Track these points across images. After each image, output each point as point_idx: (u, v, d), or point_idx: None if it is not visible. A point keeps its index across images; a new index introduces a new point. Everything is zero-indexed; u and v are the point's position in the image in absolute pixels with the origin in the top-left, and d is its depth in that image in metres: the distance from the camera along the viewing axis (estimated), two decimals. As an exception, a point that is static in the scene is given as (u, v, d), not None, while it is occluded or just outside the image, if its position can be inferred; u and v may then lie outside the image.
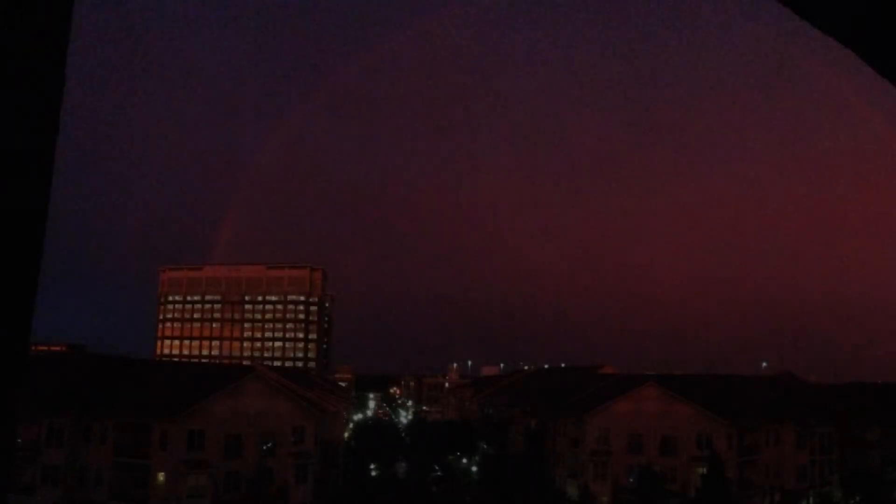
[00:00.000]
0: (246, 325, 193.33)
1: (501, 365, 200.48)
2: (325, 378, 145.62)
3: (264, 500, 62.62)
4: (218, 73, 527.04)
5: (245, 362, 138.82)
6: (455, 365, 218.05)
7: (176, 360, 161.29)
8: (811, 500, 77.28)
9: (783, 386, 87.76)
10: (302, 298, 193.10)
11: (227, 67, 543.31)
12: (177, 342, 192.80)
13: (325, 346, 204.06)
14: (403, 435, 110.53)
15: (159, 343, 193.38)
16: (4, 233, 1.87)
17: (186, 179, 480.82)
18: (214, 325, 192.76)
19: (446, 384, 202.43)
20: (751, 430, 74.58)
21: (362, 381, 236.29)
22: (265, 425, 65.31)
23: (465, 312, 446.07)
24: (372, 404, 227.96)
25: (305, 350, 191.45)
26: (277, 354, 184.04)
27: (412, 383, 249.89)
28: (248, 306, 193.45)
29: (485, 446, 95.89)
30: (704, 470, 67.57)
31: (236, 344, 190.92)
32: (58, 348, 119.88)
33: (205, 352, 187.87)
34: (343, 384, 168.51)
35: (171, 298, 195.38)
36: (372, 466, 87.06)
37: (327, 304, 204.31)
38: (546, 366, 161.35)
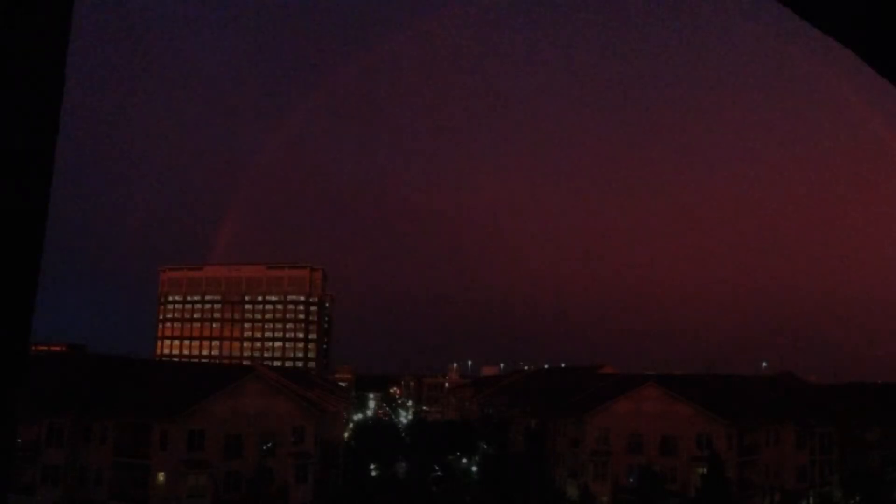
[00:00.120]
0: (246, 325, 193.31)
1: (501, 365, 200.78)
2: (325, 378, 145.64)
3: (264, 500, 62.62)
4: (218, 73, 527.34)
5: (245, 362, 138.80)
6: (455, 365, 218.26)
7: (176, 360, 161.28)
8: (811, 500, 77.27)
9: (783, 386, 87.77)
10: (302, 298, 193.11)
11: (227, 67, 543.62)
12: (177, 342, 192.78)
13: (325, 346, 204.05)
14: (403, 435, 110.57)
15: (159, 343, 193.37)
16: (4, 233, 1.87)
17: (186, 179, 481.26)
18: (214, 325, 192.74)
19: (446, 384, 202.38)
20: (751, 430, 74.58)
21: (362, 381, 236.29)
22: (265, 425, 65.31)
23: (465, 312, 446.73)
24: (372, 404, 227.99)
25: (305, 350, 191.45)
26: (277, 354, 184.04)
27: (412, 383, 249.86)
28: (248, 306, 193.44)
29: (485, 446, 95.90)
30: (704, 470, 67.57)
31: (236, 344, 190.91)
32: (58, 348, 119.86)
33: (205, 352, 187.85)
34: (343, 384, 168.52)
35: (171, 298, 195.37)
36: (372, 466, 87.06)
37: (327, 304, 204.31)
38: (546, 366, 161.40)
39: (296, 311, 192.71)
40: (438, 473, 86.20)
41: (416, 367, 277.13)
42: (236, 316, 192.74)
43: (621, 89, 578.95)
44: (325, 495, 68.81)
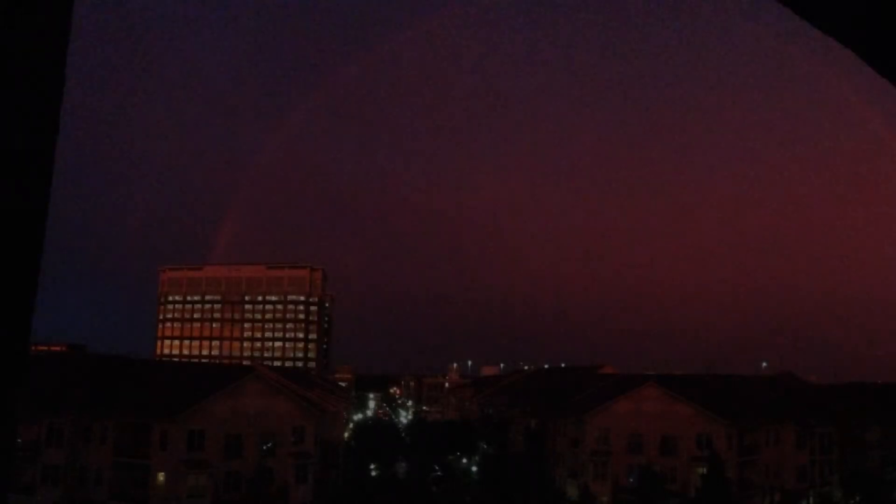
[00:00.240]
0: (246, 325, 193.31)
1: (501, 365, 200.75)
2: (325, 378, 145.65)
3: (264, 500, 62.62)
4: (218, 73, 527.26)
5: (245, 362, 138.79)
6: (455, 365, 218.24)
7: (176, 360, 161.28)
8: (811, 500, 77.27)
9: (783, 386, 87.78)
10: (302, 298, 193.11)
11: (227, 67, 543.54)
12: (177, 342, 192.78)
13: (325, 346, 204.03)
14: (403, 435, 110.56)
15: (159, 343, 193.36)
16: (4, 233, 1.87)
17: (186, 179, 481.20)
18: (214, 325, 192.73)
19: (446, 384, 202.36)
20: (751, 430, 74.59)
21: (362, 381, 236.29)
22: (265, 425, 65.32)
23: (465, 312, 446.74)
24: (372, 404, 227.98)
25: (305, 350, 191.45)
26: (277, 354, 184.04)
27: (412, 383, 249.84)
28: (248, 306, 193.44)
29: (485, 446, 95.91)
30: (704, 470, 67.57)
31: (236, 344, 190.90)
32: (58, 348, 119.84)
33: (205, 352, 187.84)
34: (343, 384, 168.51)
35: (171, 298, 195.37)
36: (372, 466, 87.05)
37: (327, 304, 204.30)
38: (546, 366, 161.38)
39: (296, 311, 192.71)
40: (438, 473, 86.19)
41: (416, 367, 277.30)
42: (236, 316, 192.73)
43: (621, 89, 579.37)
44: (325, 495, 68.82)
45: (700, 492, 66.35)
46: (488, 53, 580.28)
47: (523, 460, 77.39)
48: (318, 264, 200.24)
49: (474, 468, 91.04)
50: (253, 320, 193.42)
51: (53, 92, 2.02)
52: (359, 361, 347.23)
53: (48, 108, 2.00)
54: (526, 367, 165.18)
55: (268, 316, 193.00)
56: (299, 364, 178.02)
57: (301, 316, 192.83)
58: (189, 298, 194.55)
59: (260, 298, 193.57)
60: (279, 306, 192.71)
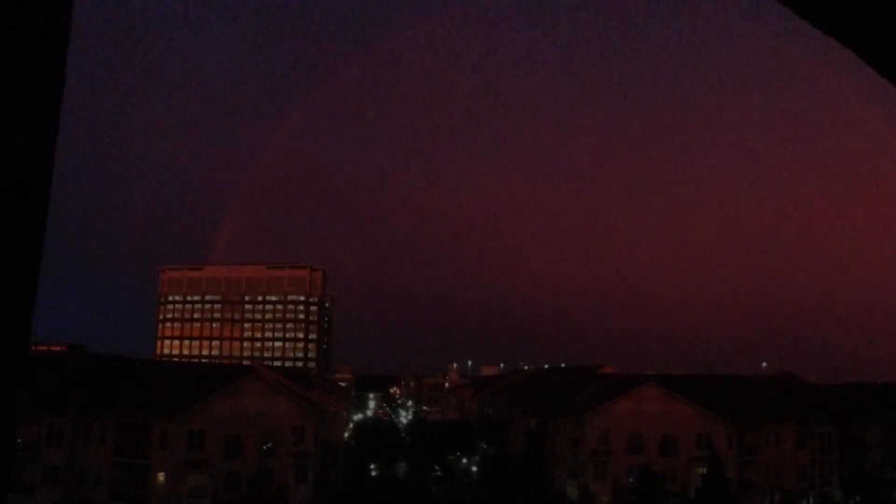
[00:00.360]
0: (246, 325, 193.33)
1: (501, 365, 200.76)
2: (325, 378, 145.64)
3: (264, 500, 62.63)
4: (218, 73, 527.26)
5: (245, 362, 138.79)
6: (455, 365, 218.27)
7: (176, 360, 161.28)
8: (811, 500, 77.27)
9: (783, 386, 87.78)
10: (302, 298, 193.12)
11: (227, 67, 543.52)
12: (177, 342, 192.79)
13: (325, 346, 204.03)
14: (403, 435, 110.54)
15: (159, 343, 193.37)
16: (4, 233, 1.87)
17: (186, 179, 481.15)
18: (214, 325, 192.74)
19: (446, 384, 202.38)
20: (751, 430, 74.59)
21: (362, 381, 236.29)
22: (265, 425, 65.32)
23: (465, 312, 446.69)
24: (372, 404, 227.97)
25: (305, 350, 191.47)
26: (277, 354, 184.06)
27: (412, 383, 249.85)
28: (248, 306, 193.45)
29: (485, 446, 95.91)
30: (704, 470, 67.57)
31: (236, 344, 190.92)
32: (58, 348, 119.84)
33: (205, 352, 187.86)
34: (343, 384, 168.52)
35: (171, 298, 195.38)
36: (372, 466, 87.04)
37: (327, 304, 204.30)
38: (546, 366, 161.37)
39: (296, 311, 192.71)
40: (438, 473, 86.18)
41: (416, 367, 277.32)
42: (236, 316, 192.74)
43: (621, 89, 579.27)
44: (325, 495, 68.82)
45: (700, 492, 66.35)
46: (488, 53, 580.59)
47: (523, 460, 77.38)
48: (318, 264, 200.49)
49: (474, 468, 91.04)
50: (253, 320, 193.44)
51: (53, 92, 2.02)
52: (359, 361, 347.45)
53: (48, 108, 2.00)
54: (526, 367, 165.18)
55: (268, 316, 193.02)
56: (299, 364, 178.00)
57: (301, 316, 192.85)
58: (189, 298, 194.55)
59: (260, 298, 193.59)
60: (279, 306, 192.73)
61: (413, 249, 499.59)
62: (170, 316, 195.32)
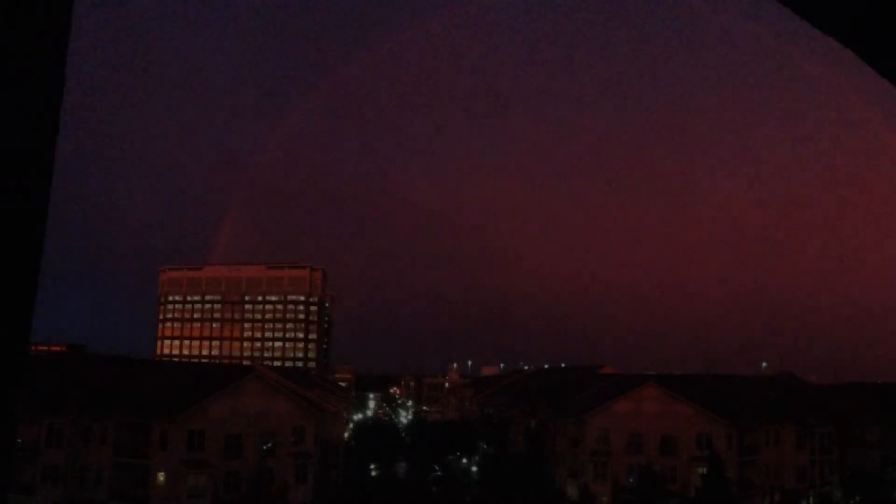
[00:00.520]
0: (246, 325, 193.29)
1: (501, 365, 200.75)
2: (325, 378, 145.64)
3: (264, 500, 62.62)
4: (218, 73, 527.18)
5: (245, 362, 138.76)
6: (455, 365, 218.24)
7: (176, 360, 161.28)
8: (811, 500, 77.27)
9: (783, 386, 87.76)
10: (302, 298, 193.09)
11: (227, 67, 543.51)
12: (177, 342, 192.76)
13: (325, 346, 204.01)
14: (403, 435, 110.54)
15: (159, 343, 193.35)
16: (4, 233, 1.87)
17: (186, 179, 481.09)
18: (214, 325, 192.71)
19: (446, 384, 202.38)
20: (751, 430, 74.59)
21: (362, 381, 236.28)
22: (265, 425, 65.32)
23: (465, 312, 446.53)
24: (372, 404, 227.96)
25: (305, 350, 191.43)
26: (277, 354, 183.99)
27: (412, 383, 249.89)
28: (248, 306, 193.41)
29: (485, 446, 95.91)
30: (704, 470, 67.57)
31: (236, 344, 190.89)
32: (58, 348, 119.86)
33: (205, 352, 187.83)
34: (343, 384, 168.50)
35: (171, 298, 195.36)
36: (372, 466, 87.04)
37: (327, 304, 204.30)
38: (546, 366, 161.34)
39: (296, 311, 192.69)
40: (438, 473, 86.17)
41: (416, 367, 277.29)
42: (236, 316, 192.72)
43: (621, 89, 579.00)
44: (325, 495, 68.82)
45: (700, 492, 66.35)
46: (488, 53, 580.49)
47: (523, 460, 77.39)
48: (318, 264, 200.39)
49: (474, 468, 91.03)
50: (253, 320, 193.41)
51: (53, 92, 2.02)
52: (359, 361, 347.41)
53: (48, 108, 2.00)
54: (526, 367, 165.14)
55: (268, 316, 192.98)
56: (299, 364, 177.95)
57: (301, 316, 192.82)
58: (189, 298, 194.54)
59: (260, 298, 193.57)
60: (279, 306, 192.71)
61: (413, 249, 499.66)
62: (170, 316, 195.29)
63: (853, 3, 2.24)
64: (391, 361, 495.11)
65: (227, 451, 63.28)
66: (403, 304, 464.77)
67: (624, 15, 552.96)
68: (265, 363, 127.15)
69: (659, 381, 77.37)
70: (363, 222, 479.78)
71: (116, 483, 62.56)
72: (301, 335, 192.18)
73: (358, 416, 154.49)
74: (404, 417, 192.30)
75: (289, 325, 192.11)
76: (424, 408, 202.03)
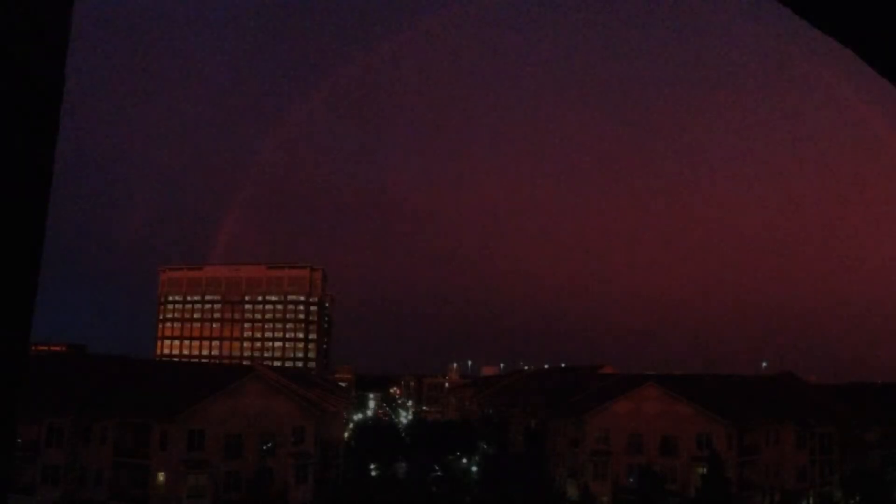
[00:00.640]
0: (246, 325, 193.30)
1: (501, 365, 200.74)
2: (325, 378, 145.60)
3: (264, 500, 62.62)
4: (218, 73, 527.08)
5: (245, 362, 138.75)
6: (455, 365, 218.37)
7: (176, 360, 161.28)
8: (811, 500, 77.27)
9: (783, 386, 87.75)
10: (302, 298, 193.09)
11: (227, 67, 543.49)
12: (177, 342, 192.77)
13: (325, 346, 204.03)
14: (403, 435, 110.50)
15: (159, 343, 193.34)
16: (4, 233, 1.87)
17: (186, 179, 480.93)
18: (214, 325, 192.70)
19: (446, 384, 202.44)
20: (751, 430, 74.59)
21: (362, 381, 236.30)
22: (265, 425, 65.31)
23: (465, 312, 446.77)
24: (372, 404, 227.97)
25: (305, 350, 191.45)
26: (277, 354, 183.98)
27: (412, 383, 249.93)
28: (248, 306, 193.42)
29: (485, 446, 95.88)
30: (704, 470, 67.59)
31: (236, 344, 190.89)
32: (58, 348, 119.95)
33: (205, 352, 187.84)
34: (343, 384, 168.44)
35: (171, 298, 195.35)
36: (372, 466, 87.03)
37: (327, 304, 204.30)
38: (546, 366, 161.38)
39: (296, 311, 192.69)
40: (438, 473, 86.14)
41: (416, 367, 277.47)
42: (236, 316, 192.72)
43: (621, 89, 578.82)
44: (325, 495, 68.80)
45: (700, 492, 66.37)
46: (488, 53, 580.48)
47: (523, 460, 77.35)
48: (318, 264, 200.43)
49: (474, 468, 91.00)
50: (253, 320, 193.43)
51: (53, 92, 2.02)
52: (359, 361, 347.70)
53: (48, 108, 2.00)
54: (526, 367, 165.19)
55: (268, 316, 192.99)
56: (299, 364, 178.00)
57: (301, 316, 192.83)
58: (189, 298, 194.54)
59: (260, 298, 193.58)
60: (279, 306, 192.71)
61: (413, 250, 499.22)
62: (170, 316, 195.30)
63: (853, 3, 2.24)
64: (391, 361, 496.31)
65: (227, 451, 63.28)
66: (403, 304, 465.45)
67: (624, 15, 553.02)
68: (265, 363, 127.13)
69: (659, 381, 77.37)
70: (363, 222, 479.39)
71: (116, 483, 62.57)
72: (301, 335, 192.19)
73: (358, 416, 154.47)
74: (404, 417, 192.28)
75: (289, 325, 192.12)
76: (424, 408, 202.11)
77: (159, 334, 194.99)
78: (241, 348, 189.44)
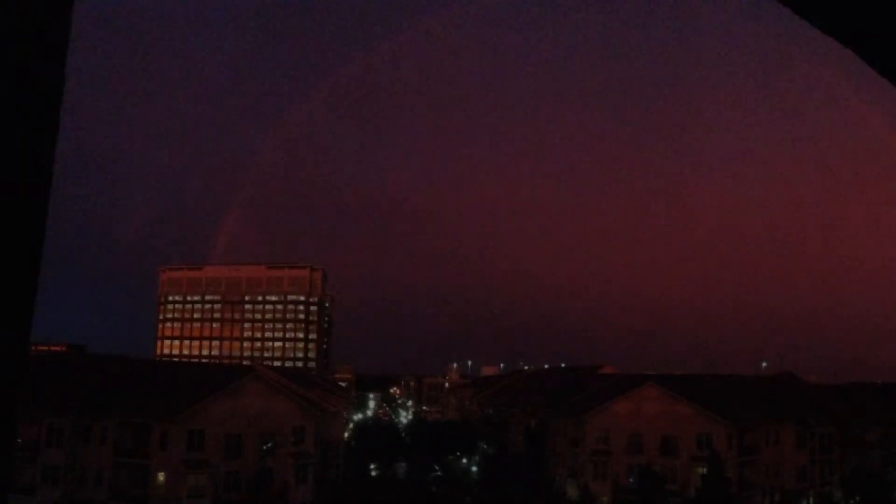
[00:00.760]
0: (246, 325, 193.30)
1: (501, 365, 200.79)
2: (325, 378, 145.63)
3: (264, 500, 62.62)
4: (218, 73, 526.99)
5: (245, 362, 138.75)
6: (455, 365, 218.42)
7: (176, 360, 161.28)
8: (811, 500, 77.27)
9: (783, 386, 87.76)
10: (302, 298, 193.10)
11: (227, 67, 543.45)
12: (177, 342, 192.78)
13: (325, 346, 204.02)
14: (403, 435, 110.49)
15: (159, 343, 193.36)
16: (4, 233, 1.87)
17: (186, 179, 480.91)
18: (214, 325, 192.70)
19: (446, 384, 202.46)
20: (751, 430, 74.60)
21: (362, 381, 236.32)
22: (265, 425, 65.31)
23: (465, 312, 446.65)
24: (372, 404, 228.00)
25: (305, 350, 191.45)
26: (277, 354, 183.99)
27: (412, 383, 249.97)
28: (248, 306, 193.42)
29: (485, 446, 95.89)
30: (704, 470, 67.59)
31: (236, 344, 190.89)
32: (58, 348, 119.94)
33: (205, 352, 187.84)
34: (343, 384, 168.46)
35: (171, 298, 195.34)
36: (372, 466, 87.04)
37: (327, 304, 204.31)
38: (546, 366, 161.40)
39: (296, 311, 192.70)
40: (438, 473, 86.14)
41: (416, 367, 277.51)
42: (236, 316, 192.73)
43: (621, 89, 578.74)
44: (325, 495, 68.80)
45: (700, 492, 66.37)
46: (488, 53, 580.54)
47: (523, 460, 77.35)
48: (318, 264, 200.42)
49: (474, 468, 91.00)
50: (253, 320, 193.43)
51: (53, 92, 2.02)
52: (359, 361, 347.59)
53: (48, 108, 2.00)
54: (526, 367, 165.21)
55: (268, 316, 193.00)
56: (299, 364, 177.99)
57: (301, 316, 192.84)
58: (189, 298, 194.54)
59: (260, 298, 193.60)
60: (279, 306, 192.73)
61: (413, 249, 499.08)
62: (170, 316, 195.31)
63: (853, 3, 2.24)
64: (391, 361, 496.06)
65: (227, 451, 63.28)
66: (403, 304, 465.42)
67: (624, 15, 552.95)
68: (265, 363, 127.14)
69: (659, 381, 77.37)
70: (363, 222, 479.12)
71: (116, 483, 62.58)
72: (301, 335, 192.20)
73: (358, 416, 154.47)
74: (404, 417, 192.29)
75: (289, 325, 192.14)
76: (424, 408, 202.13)
77: (159, 334, 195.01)
78: (241, 348, 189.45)
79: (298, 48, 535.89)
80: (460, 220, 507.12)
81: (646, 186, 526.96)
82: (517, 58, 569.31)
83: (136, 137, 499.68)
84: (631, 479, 71.53)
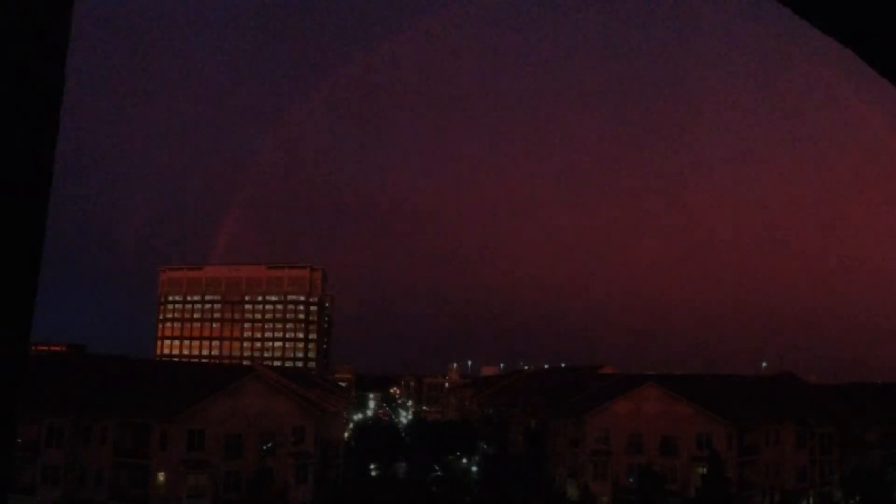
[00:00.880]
0: (246, 325, 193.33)
1: (501, 365, 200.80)
2: (325, 378, 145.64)
3: (264, 500, 62.62)
4: (218, 73, 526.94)
5: (245, 362, 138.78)
6: (455, 365, 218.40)
7: (176, 360, 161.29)
8: (811, 500, 77.27)
9: (783, 386, 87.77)
10: (302, 298, 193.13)
11: (227, 67, 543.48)
12: (177, 342, 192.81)
13: (325, 346, 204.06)
14: (403, 435, 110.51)
15: (159, 343, 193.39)
16: (4, 233, 1.87)
17: (187, 179, 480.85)
18: (214, 325, 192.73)
19: (446, 384, 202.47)
20: (751, 430, 74.60)
21: (362, 381, 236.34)
22: (265, 425, 65.32)
23: (465, 312, 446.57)
24: (372, 404, 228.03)
25: (305, 350, 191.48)
26: (277, 354, 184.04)
27: (412, 383, 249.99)
28: (248, 306, 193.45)
29: (485, 446, 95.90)
30: (704, 470, 67.59)
31: (236, 344, 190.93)
32: (58, 348, 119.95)
33: (205, 352, 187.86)
34: (343, 384, 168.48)
35: (171, 298, 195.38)
36: (372, 466, 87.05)
37: (327, 304, 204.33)
38: (546, 366, 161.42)
39: (296, 311, 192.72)
40: (438, 473, 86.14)
41: (416, 367, 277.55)
42: (236, 316, 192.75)
43: (621, 89, 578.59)
44: (325, 495, 68.81)
45: (700, 492, 66.37)
46: (488, 53, 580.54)
47: (523, 460, 77.36)
48: (318, 264, 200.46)
49: (474, 468, 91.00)
50: (253, 320, 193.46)
51: (53, 92, 2.02)
52: (359, 361, 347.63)
53: (48, 108, 2.00)
54: (526, 367, 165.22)
55: (268, 316, 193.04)
56: (299, 364, 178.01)
57: (301, 316, 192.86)
58: (189, 298, 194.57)
59: (260, 298, 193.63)
60: (279, 306, 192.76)
61: (413, 250, 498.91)
62: (170, 316, 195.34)
63: (853, 3, 2.24)
64: (391, 361, 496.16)
65: (227, 451, 63.29)
66: (403, 304, 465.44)
67: (624, 15, 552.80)
68: (265, 363, 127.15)
69: (659, 381, 77.38)
70: (363, 222, 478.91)
71: (116, 483, 62.58)
72: (301, 335, 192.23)
73: (358, 416, 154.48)
74: (404, 417, 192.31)
75: (289, 325, 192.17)
76: (424, 408, 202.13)
77: (159, 334, 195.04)
78: (241, 348, 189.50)
79: (298, 48, 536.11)
80: (460, 220, 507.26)
81: (646, 186, 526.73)
82: (517, 58, 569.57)
83: (136, 137, 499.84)
84: (631, 479, 71.54)
